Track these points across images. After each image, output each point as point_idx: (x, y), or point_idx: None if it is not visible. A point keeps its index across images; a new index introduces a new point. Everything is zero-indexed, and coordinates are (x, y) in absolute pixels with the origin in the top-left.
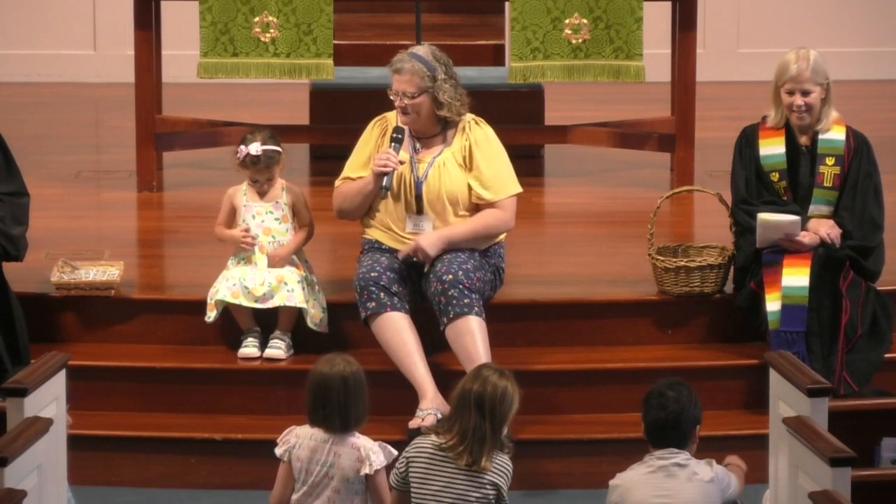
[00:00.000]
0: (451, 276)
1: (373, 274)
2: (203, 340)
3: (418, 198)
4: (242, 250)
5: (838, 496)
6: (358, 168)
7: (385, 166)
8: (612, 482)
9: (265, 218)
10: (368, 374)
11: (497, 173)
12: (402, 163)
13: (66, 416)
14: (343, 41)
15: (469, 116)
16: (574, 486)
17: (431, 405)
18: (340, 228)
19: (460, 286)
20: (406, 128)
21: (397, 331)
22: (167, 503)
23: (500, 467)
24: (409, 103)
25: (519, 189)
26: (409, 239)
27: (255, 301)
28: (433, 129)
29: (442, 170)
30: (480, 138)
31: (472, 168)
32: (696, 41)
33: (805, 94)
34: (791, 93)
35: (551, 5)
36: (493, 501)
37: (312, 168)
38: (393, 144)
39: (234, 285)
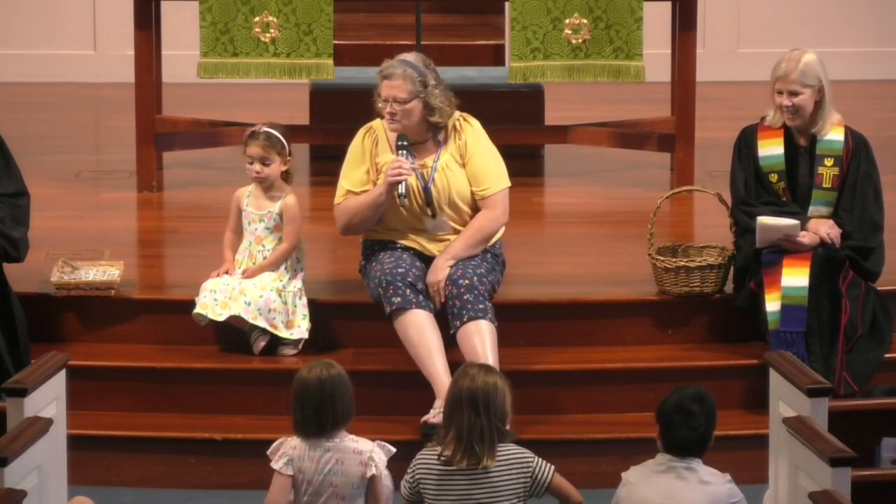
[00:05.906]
0: (467, 281)
1: (400, 270)
2: (203, 340)
3: (430, 203)
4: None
5: (838, 496)
6: (358, 183)
7: (400, 174)
8: (624, 474)
9: (258, 226)
10: (372, 374)
11: (486, 166)
12: (414, 169)
13: None
14: (343, 41)
15: (457, 114)
16: (574, 486)
17: None
18: None
19: (476, 291)
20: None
21: (421, 329)
22: (167, 503)
23: (514, 459)
24: (399, 109)
25: (508, 183)
26: (427, 244)
27: (219, 315)
28: (424, 135)
29: (447, 172)
30: (471, 135)
31: (466, 164)
32: (696, 41)
33: (792, 94)
34: (780, 92)
35: (551, 5)
36: (523, 495)
37: (312, 168)
38: (401, 152)
39: (205, 297)
